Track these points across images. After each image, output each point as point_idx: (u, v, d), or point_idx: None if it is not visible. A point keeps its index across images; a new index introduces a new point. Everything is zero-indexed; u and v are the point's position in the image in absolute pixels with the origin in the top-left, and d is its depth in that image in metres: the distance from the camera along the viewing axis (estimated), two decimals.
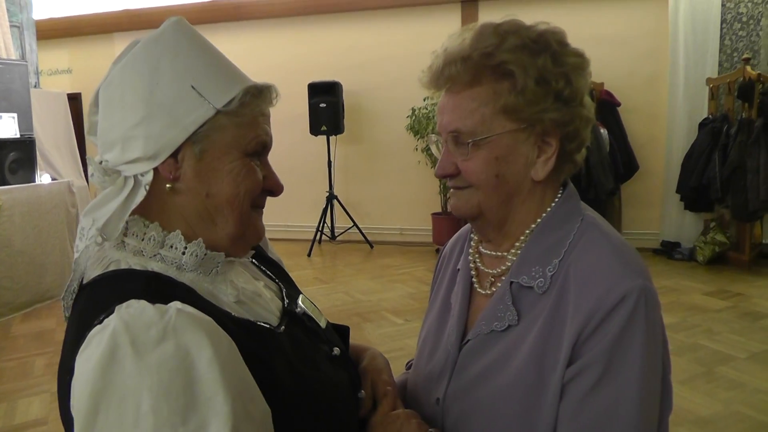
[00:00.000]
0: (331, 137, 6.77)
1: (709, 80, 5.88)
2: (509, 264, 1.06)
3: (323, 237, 6.99)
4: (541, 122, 0.99)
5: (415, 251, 6.63)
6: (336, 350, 1.08)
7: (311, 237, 6.80)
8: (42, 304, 5.03)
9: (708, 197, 5.66)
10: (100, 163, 0.93)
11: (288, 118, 7.10)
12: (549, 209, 1.05)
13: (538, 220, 1.05)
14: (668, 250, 6.13)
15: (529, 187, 1.04)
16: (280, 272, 1.19)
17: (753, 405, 3.02)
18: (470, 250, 1.18)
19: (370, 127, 6.91)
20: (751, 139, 5.29)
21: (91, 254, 0.92)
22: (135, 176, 0.90)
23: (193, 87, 0.88)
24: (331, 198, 6.84)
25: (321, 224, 6.83)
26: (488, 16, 6.72)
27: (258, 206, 0.99)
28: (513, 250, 1.07)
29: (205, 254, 0.93)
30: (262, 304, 1.01)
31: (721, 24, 5.96)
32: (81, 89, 8.08)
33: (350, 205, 6.93)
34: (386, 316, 4.54)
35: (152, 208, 0.92)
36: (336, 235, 7.03)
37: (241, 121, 0.92)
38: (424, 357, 1.19)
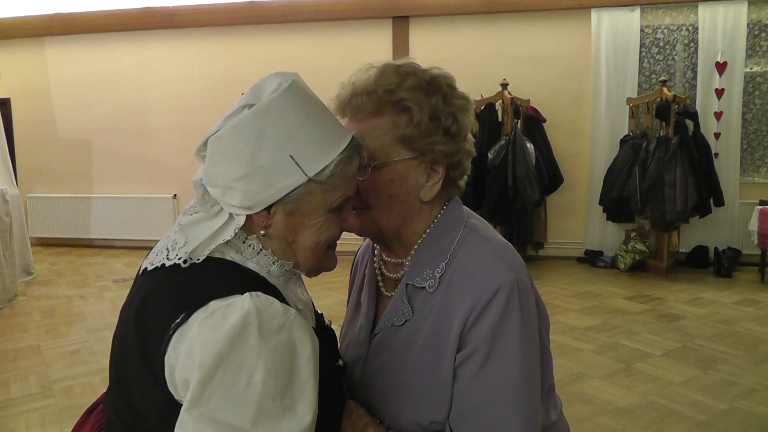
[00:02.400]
0: None
1: (629, 99, 6.21)
2: (407, 269, 1.21)
3: None
4: (432, 152, 1.13)
5: (348, 259, 6.51)
6: (341, 362, 1.22)
7: None
8: None
9: (628, 209, 5.94)
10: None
11: None
12: (436, 220, 1.20)
13: (428, 230, 1.20)
14: (592, 258, 6.40)
15: (419, 206, 1.18)
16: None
17: (666, 396, 3.23)
18: (375, 258, 1.33)
19: None
20: (668, 155, 5.60)
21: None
22: (231, 213, 1.03)
23: (291, 156, 0.98)
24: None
25: None
26: (418, 32, 6.86)
27: (334, 243, 1.12)
28: (409, 257, 1.21)
29: (291, 268, 1.08)
30: (308, 312, 1.15)
31: (640, 48, 6.34)
32: (10, 94, 7.78)
33: None
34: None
35: (249, 231, 1.05)
36: None
37: (329, 187, 1.02)
38: (341, 349, 1.33)
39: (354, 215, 1.13)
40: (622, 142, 6.16)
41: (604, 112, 6.39)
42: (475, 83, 5.98)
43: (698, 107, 6.07)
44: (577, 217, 6.60)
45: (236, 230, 1.02)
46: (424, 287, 1.15)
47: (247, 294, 0.93)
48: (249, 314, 0.89)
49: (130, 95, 7.17)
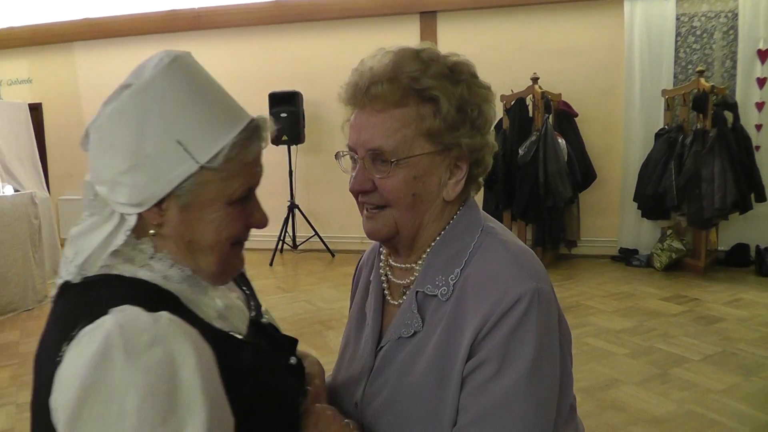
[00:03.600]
0: (291, 147, 6.73)
1: (664, 91, 6.01)
2: (416, 275, 1.12)
3: (285, 246, 6.93)
4: (458, 147, 1.05)
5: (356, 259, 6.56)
6: (293, 359, 1.12)
7: (273, 246, 6.73)
8: (4, 316, 4.90)
9: (664, 205, 5.76)
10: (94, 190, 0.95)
11: None
12: (451, 222, 1.11)
13: (442, 233, 1.11)
14: (626, 257, 6.22)
15: (440, 206, 1.10)
16: (246, 282, 1.22)
17: (705, 404, 3.07)
18: (381, 263, 1.23)
19: (331, 137, 6.87)
20: (705, 149, 5.40)
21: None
22: (122, 214, 0.92)
23: (179, 142, 0.88)
24: (292, 207, 6.79)
25: (282, 234, 6.77)
26: (447, 27, 6.80)
27: (241, 242, 1.01)
28: (420, 262, 1.12)
29: (191, 273, 0.97)
30: (236, 314, 1.04)
31: (676, 37, 6.12)
32: (41, 99, 7.94)
33: (311, 215, 6.89)
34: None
35: (141, 233, 0.94)
36: (297, 244, 6.97)
37: (226, 175, 0.92)
38: (343, 365, 1.25)
39: (262, 210, 1.02)
40: (657, 136, 5.96)
41: (638, 105, 6.18)
42: (505, 78, 5.88)
43: (738, 98, 5.82)
44: (611, 215, 6.42)
45: (128, 233, 0.91)
46: (436, 295, 1.06)
47: (111, 311, 0.80)
48: (111, 334, 0.77)
49: None
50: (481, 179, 1.14)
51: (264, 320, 1.11)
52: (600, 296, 5.06)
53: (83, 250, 0.91)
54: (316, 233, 6.74)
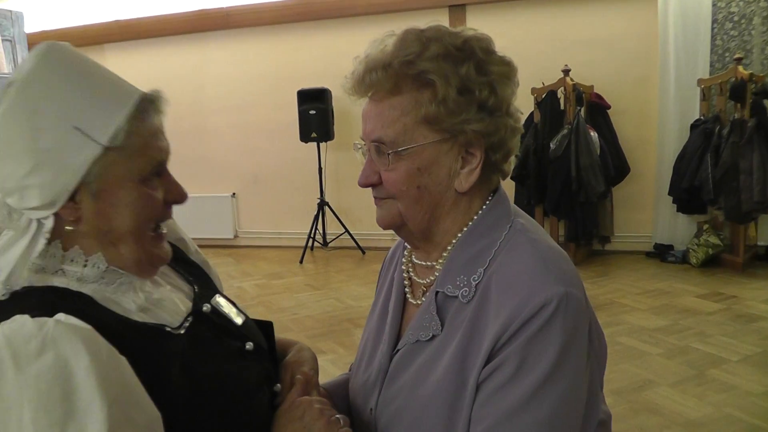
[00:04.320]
0: (321, 144, 6.73)
1: (700, 81, 5.84)
2: (437, 274, 1.06)
3: (315, 244, 6.94)
4: (464, 133, 0.98)
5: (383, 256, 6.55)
6: (249, 345, 1.08)
7: (303, 244, 6.75)
8: None
9: (701, 199, 5.61)
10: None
11: (278, 126, 7.10)
12: (475, 217, 1.04)
13: (465, 229, 1.04)
14: (661, 253, 6.08)
15: (453, 198, 1.03)
16: (200, 273, 1.21)
17: (744, 408, 2.97)
18: (404, 260, 1.18)
19: (360, 133, 6.82)
20: (743, 140, 5.24)
21: None
22: (39, 220, 0.90)
23: (76, 127, 0.87)
24: (322, 205, 6.80)
25: (312, 231, 6.78)
26: (476, 20, 6.74)
27: (162, 221, 1.00)
28: (441, 260, 1.06)
29: (107, 267, 0.94)
30: (168, 307, 1.01)
31: (712, 24, 5.92)
32: None
33: (341, 212, 6.89)
34: None
35: (55, 232, 0.92)
36: (328, 241, 6.99)
37: (130, 152, 0.91)
38: (362, 365, 1.19)
39: (178, 184, 1.00)
40: (693, 127, 5.80)
41: (672, 95, 6.00)
42: (535, 70, 5.81)
43: None
44: (645, 209, 6.27)
45: (47, 236, 0.89)
46: (456, 296, 0.99)
47: None
48: None
49: (188, 96, 7.25)
50: (505, 165, 1.05)
51: (204, 309, 1.07)
52: (634, 293, 4.96)
53: (5, 266, 0.88)
54: (347, 230, 6.74)
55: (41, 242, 0.89)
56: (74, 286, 0.91)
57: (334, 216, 6.80)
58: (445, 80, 0.95)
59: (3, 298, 0.88)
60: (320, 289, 5.53)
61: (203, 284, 1.16)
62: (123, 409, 0.76)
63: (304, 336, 4.24)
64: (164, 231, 1.02)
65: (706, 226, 5.79)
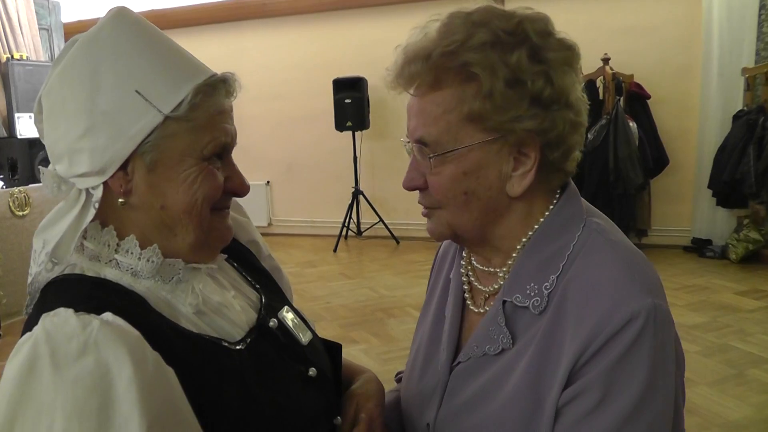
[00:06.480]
0: (356, 133, 6.73)
1: (744, 70, 5.67)
2: (502, 282, 0.97)
3: (349, 233, 6.98)
4: (514, 132, 0.87)
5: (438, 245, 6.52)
6: (312, 371, 0.99)
7: (337, 233, 6.78)
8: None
9: (742, 193, 5.47)
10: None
11: (313, 115, 7.12)
12: (542, 219, 0.94)
13: (529, 233, 0.94)
14: (699, 248, 5.96)
15: (506, 203, 0.92)
16: (269, 282, 1.12)
17: None
18: (462, 262, 1.08)
19: (396, 122, 6.82)
20: None
21: (43, 279, 0.87)
22: (87, 190, 0.85)
23: (137, 92, 0.81)
24: (356, 193, 6.82)
25: (347, 220, 6.82)
26: (514, 7, 6.67)
27: (221, 208, 0.94)
28: (505, 268, 0.97)
29: (163, 260, 0.88)
30: (228, 315, 0.94)
31: (759, 10, 5.73)
32: None
33: (376, 201, 6.90)
34: (410, 311, 4.51)
35: (108, 214, 0.88)
36: (362, 230, 7.01)
37: (193, 126, 0.85)
38: (416, 372, 1.10)
39: (242, 175, 0.93)
40: (736, 118, 5.65)
41: (715, 84, 5.84)
42: None
43: None
44: (684, 202, 6.15)
45: (96, 205, 0.83)
46: (527, 307, 0.89)
47: (42, 316, 0.73)
48: (37, 343, 0.70)
49: None
50: (567, 165, 0.93)
51: (271, 324, 0.99)
52: (671, 289, 4.87)
53: (52, 237, 0.84)
54: (381, 220, 6.75)
55: (90, 213, 0.84)
56: (127, 281, 0.85)
57: (368, 205, 6.82)
58: (491, 72, 0.85)
59: (48, 273, 0.84)
60: (354, 279, 5.56)
61: (272, 294, 1.07)
62: (164, 430, 0.70)
63: (337, 325, 4.28)
64: (226, 209, 0.95)
65: (746, 221, 5.67)
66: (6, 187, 4.69)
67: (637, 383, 0.80)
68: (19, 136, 5.03)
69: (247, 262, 1.12)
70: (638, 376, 0.80)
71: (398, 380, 1.31)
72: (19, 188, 4.60)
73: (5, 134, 5.10)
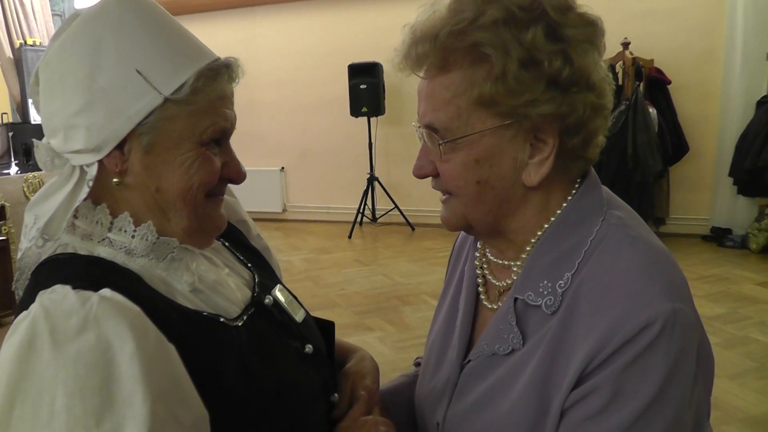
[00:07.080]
0: (371, 119, 6.70)
1: None
2: (515, 277, 0.92)
3: (364, 219, 6.96)
4: (529, 118, 0.81)
5: (456, 234, 6.49)
6: (308, 347, 1.00)
7: (352, 219, 6.77)
8: None
9: (763, 181, 5.37)
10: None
11: (328, 100, 7.09)
12: (559, 212, 0.88)
13: (545, 226, 0.89)
14: (718, 237, 5.88)
15: (522, 193, 0.87)
16: (260, 261, 1.12)
17: None
18: (477, 254, 1.03)
19: (411, 108, 6.55)
20: None
21: (34, 255, 0.86)
22: (81, 167, 0.84)
23: (138, 71, 0.80)
24: (372, 180, 6.79)
25: (362, 206, 6.80)
26: None
27: (216, 194, 0.93)
28: (519, 262, 0.92)
29: (157, 239, 0.87)
30: (224, 293, 0.93)
31: None
32: None
33: (391, 187, 6.87)
34: (425, 299, 4.50)
35: (101, 193, 0.87)
36: (377, 217, 7.00)
37: (193, 109, 0.84)
38: (429, 368, 1.07)
39: (239, 161, 0.91)
40: (759, 104, 5.54)
41: (738, 70, 5.72)
42: None
43: None
44: (704, 191, 6.06)
45: (89, 183, 0.82)
46: (539, 306, 0.85)
47: (40, 293, 0.72)
48: (36, 320, 0.68)
49: None
50: (589, 152, 0.88)
51: (266, 302, 0.99)
52: (690, 279, 4.65)
53: (44, 213, 0.83)
54: (396, 206, 6.73)
55: (84, 191, 0.83)
56: (121, 259, 0.84)
57: (383, 191, 6.79)
58: (504, 52, 0.78)
59: (39, 249, 0.83)
60: (368, 265, 5.55)
61: (264, 273, 1.08)
62: (168, 406, 0.69)
63: (352, 312, 4.28)
64: (221, 196, 0.95)
65: (767, 210, 5.58)
66: (20, 172, 4.72)
67: (646, 390, 0.74)
68: (33, 122, 5.05)
69: (238, 241, 1.12)
70: (649, 383, 0.74)
71: (417, 364, 1.28)
72: (33, 173, 4.64)
73: (19, 119, 5.12)
